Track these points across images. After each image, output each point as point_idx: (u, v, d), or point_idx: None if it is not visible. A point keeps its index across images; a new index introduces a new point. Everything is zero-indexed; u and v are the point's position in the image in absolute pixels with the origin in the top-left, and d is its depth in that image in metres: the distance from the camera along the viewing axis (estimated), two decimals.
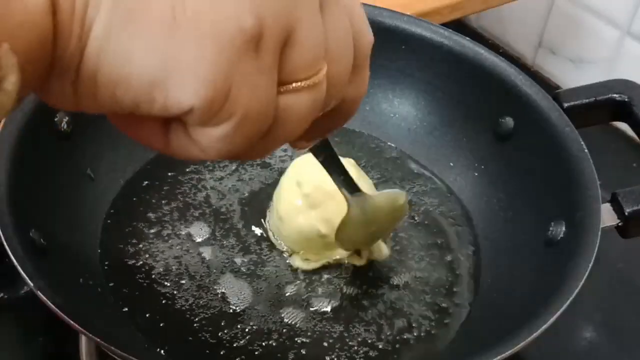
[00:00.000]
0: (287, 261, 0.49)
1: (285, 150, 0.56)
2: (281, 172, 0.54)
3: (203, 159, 0.28)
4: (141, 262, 0.47)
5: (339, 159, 0.40)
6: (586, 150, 0.47)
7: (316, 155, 0.38)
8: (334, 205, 0.47)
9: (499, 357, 0.37)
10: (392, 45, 0.56)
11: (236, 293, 0.47)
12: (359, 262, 0.49)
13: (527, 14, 0.80)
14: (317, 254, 0.49)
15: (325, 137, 0.36)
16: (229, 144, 0.27)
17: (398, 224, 0.49)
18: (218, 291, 0.46)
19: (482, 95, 0.54)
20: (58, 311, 0.36)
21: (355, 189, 0.42)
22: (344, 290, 0.48)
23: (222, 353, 0.44)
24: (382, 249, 0.50)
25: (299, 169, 0.49)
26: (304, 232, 0.48)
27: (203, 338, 0.44)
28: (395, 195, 0.46)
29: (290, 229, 0.48)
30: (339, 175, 0.40)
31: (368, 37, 0.31)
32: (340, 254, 0.49)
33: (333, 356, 0.44)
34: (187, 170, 0.54)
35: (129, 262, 0.47)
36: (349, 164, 0.49)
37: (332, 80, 0.28)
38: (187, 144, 0.28)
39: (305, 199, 0.47)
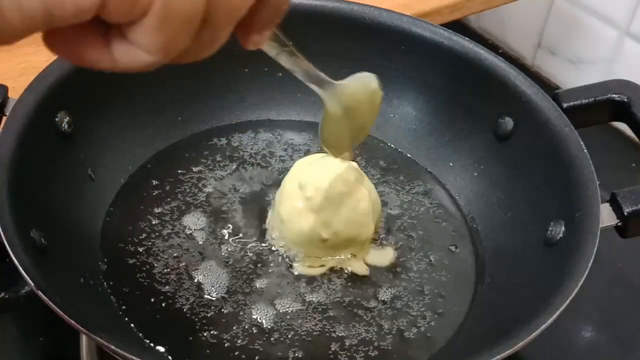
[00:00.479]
0: (287, 262, 0.49)
1: (285, 150, 0.57)
2: (281, 171, 0.54)
3: (154, 63, 0.28)
4: (141, 261, 0.48)
5: (299, 55, 0.38)
6: (585, 150, 0.47)
7: (275, 56, 0.36)
8: (336, 209, 0.47)
9: (498, 356, 0.37)
10: (392, 46, 0.56)
11: (236, 292, 0.47)
12: (361, 270, 0.49)
13: (526, 14, 0.81)
14: (318, 256, 0.49)
15: (274, 31, 0.35)
16: (167, 35, 0.26)
17: (377, 112, 0.47)
18: (218, 290, 0.47)
19: (482, 95, 0.54)
20: (59, 311, 0.36)
21: (325, 82, 0.40)
22: (344, 290, 0.48)
23: (222, 352, 0.44)
24: (388, 255, 0.50)
25: (302, 171, 0.49)
26: (304, 235, 0.48)
27: (203, 337, 0.44)
28: (366, 78, 0.44)
29: (291, 231, 0.48)
30: (303, 72, 0.38)
31: None
32: (340, 259, 0.49)
33: (333, 355, 0.44)
34: (188, 169, 0.54)
35: (129, 262, 0.47)
36: (351, 167, 0.49)
37: None
38: (130, 51, 0.27)
39: (307, 202, 0.47)
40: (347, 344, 0.45)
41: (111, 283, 0.46)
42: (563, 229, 0.45)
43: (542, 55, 0.81)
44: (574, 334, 0.55)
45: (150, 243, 0.49)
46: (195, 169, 0.54)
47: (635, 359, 0.55)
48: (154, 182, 0.53)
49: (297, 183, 0.48)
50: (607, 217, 0.44)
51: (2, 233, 0.39)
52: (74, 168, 0.49)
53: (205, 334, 0.44)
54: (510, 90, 0.52)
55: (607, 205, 0.45)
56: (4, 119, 0.45)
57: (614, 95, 0.51)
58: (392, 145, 0.58)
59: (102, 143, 0.51)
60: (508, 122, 0.52)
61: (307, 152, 0.56)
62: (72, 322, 0.36)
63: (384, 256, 0.50)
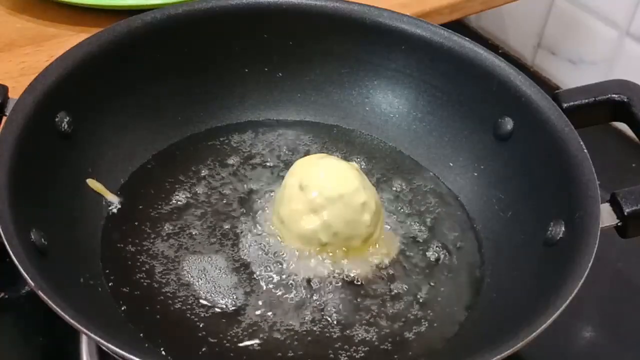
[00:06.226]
0: (287, 262, 0.49)
1: (285, 150, 0.57)
2: (281, 172, 0.54)
3: None
4: (141, 262, 0.48)
5: None
6: (585, 150, 0.47)
7: None
8: (336, 211, 0.47)
9: (498, 356, 0.37)
10: (392, 46, 0.56)
11: (236, 292, 0.47)
12: (361, 270, 0.49)
13: (526, 14, 0.81)
14: (318, 256, 0.49)
15: None
16: None
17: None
18: (218, 290, 0.47)
19: (482, 95, 0.54)
20: (59, 311, 0.36)
21: None
22: (344, 291, 0.48)
23: (222, 351, 0.44)
24: (388, 255, 0.50)
25: (302, 171, 0.49)
26: (304, 237, 0.48)
27: (203, 337, 0.44)
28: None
29: (291, 232, 0.48)
30: None
31: None
32: (340, 259, 0.49)
33: (333, 355, 0.44)
34: (188, 169, 0.54)
35: (129, 262, 0.47)
36: (352, 168, 0.49)
37: None
38: None
39: (307, 203, 0.47)
40: (347, 344, 0.45)
41: (111, 283, 0.46)
42: (563, 229, 0.45)
43: (542, 55, 0.81)
44: (574, 334, 0.55)
45: (150, 243, 0.49)
46: (195, 169, 0.54)
47: (635, 358, 0.55)
48: (154, 182, 0.53)
49: (297, 183, 0.48)
50: (607, 217, 0.44)
51: (2, 233, 0.39)
52: (74, 168, 0.49)
53: (205, 334, 0.44)
54: (510, 90, 0.52)
55: (607, 205, 0.45)
56: (4, 119, 0.45)
57: (614, 95, 0.51)
58: (392, 145, 0.58)
59: (102, 143, 0.51)
60: (508, 122, 0.52)
61: (307, 152, 0.56)
62: (73, 322, 0.36)
63: (383, 256, 0.50)
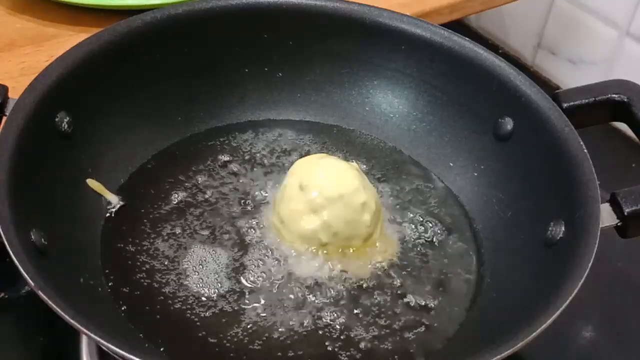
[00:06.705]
0: (287, 262, 0.49)
1: (285, 150, 0.57)
2: (281, 172, 0.54)
3: None
4: (141, 262, 0.48)
5: None
6: (585, 150, 0.47)
7: None
8: (336, 211, 0.47)
9: (498, 356, 0.37)
10: (392, 46, 0.56)
11: (235, 292, 0.47)
12: (360, 270, 0.49)
13: (526, 14, 0.81)
14: (317, 256, 0.49)
15: None
16: None
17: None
18: (218, 290, 0.47)
19: (482, 95, 0.54)
20: (59, 311, 0.36)
21: None
22: (344, 290, 0.48)
23: (222, 352, 0.44)
24: (388, 254, 0.50)
25: (302, 171, 0.49)
26: (304, 237, 0.48)
27: (203, 337, 0.44)
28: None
29: (290, 233, 0.48)
30: None
31: None
32: (340, 259, 0.49)
33: (333, 355, 0.44)
34: (188, 169, 0.54)
35: (129, 262, 0.47)
36: (352, 168, 0.49)
37: None
38: None
39: (307, 203, 0.47)
40: (346, 343, 0.45)
41: (111, 283, 0.46)
42: (563, 229, 0.45)
43: (542, 55, 0.81)
44: (574, 334, 0.55)
45: (150, 243, 0.49)
46: (195, 169, 0.54)
47: (635, 358, 0.55)
48: (154, 182, 0.52)
49: (298, 183, 0.48)
50: (607, 217, 0.44)
51: (2, 233, 0.39)
52: (74, 168, 0.49)
53: (205, 334, 0.44)
54: (510, 90, 0.52)
55: (607, 205, 0.45)
56: (4, 119, 0.44)
57: (614, 95, 0.51)
58: (392, 145, 0.58)
59: (102, 143, 0.51)
60: (508, 122, 0.52)
61: (308, 153, 0.56)
62: (73, 322, 0.36)
63: (384, 256, 0.50)
